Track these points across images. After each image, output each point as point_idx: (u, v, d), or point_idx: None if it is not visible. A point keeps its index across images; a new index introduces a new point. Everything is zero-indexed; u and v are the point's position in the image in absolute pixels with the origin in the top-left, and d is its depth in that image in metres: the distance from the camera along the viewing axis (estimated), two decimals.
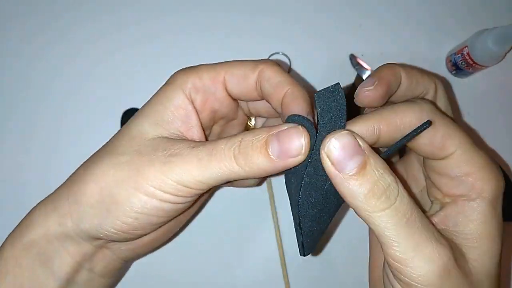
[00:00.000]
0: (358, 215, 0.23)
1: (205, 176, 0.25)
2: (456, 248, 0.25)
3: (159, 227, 0.30)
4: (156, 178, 0.26)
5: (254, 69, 0.29)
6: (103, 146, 0.29)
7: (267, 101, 0.30)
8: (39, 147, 0.43)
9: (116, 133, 0.29)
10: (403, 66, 0.31)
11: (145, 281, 0.40)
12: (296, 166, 0.25)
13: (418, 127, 0.24)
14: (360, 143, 0.23)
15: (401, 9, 0.48)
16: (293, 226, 0.28)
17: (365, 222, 0.23)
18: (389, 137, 0.26)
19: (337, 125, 0.25)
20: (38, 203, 0.29)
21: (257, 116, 0.36)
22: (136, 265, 0.40)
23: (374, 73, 0.30)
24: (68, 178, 0.29)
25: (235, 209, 0.42)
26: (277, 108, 0.30)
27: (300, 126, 0.25)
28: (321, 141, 0.24)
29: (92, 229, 0.27)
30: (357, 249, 0.42)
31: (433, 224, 0.25)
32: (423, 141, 0.26)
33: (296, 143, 0.24)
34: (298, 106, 0.28)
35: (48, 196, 0.29)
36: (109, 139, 0.29)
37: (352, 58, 0.45)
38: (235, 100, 0.32)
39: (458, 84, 0.47)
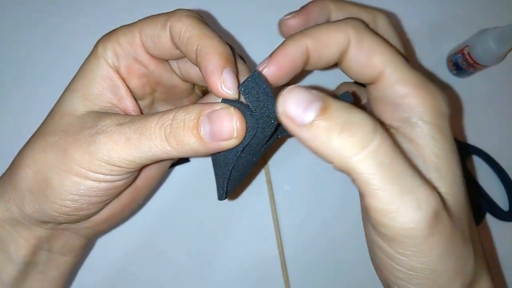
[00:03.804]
0: (339, 169, 0.20)
1: (135, 155, 0.24)
2: None
3: (106, 204, 0.29)
4: (84, 159, 0.24)
5: (165, 26, 0.26)
6: (39, 126, 0.28)
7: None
8: None
9: (50, 111, 0.28)
10: (337, 1, 0.29)
11: (141, 276, 0.40)
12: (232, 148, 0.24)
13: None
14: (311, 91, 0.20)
15: (402, 8, 0.48)
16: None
17: (348, 174, 0.20)
18: (318, 56, 0.25)
19: (270, 108, 0.24)
20: None
21: (191, 82, 0.31)
22: (134, 258, 0.40)
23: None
24: (11, 163, 0.28)
25: (234, 208, 0.42)
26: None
27: (232, 108, 0.23)
28: (257, 126, 0.24)
29: (35, 213, 0.26)
30: (358, 248, 0.42)
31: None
32: (351, 60, 0.24)
33: (228, 126, 0.23)
34: (210, 64, 0.24)
35: None
36: None
37: None
38: (164, 60, 0.29)
39: (459, 84, 0.47)
